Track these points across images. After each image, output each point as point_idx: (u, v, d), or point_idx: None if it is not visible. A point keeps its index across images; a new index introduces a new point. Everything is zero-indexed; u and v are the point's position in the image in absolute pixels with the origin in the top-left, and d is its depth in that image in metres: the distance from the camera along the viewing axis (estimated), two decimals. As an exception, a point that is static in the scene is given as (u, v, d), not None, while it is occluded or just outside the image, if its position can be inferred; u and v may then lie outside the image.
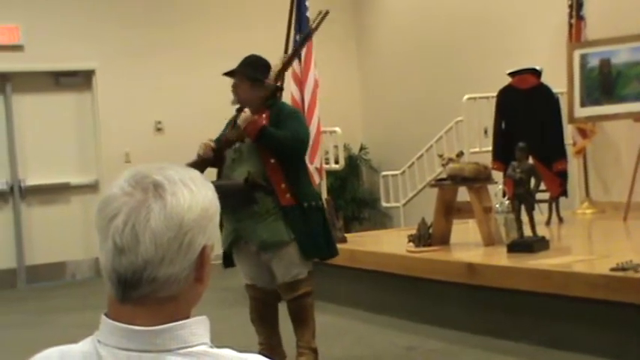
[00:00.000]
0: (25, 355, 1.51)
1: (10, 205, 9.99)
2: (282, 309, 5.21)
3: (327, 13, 5.35)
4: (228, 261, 5.16)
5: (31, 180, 10.03)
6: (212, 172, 5.06)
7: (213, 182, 4.39)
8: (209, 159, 5.04)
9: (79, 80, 10.37)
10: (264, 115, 4.99)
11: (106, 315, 1.32)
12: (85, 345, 1.34)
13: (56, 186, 10.15)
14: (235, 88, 5.07)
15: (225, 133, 5.15)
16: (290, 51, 7.18)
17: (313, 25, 5.36)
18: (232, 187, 4.83)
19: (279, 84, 5.21)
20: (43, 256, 10.00)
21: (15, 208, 9.99)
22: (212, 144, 5.08)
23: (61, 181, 10.16)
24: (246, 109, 4.94)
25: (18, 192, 9.98)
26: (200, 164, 4.90)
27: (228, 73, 5.11)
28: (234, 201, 4.81)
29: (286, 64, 5.39)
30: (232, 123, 5.12)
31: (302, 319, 5.10)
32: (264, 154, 4.93)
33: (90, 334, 1.35)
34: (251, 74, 5.02)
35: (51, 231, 10.02)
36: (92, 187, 10.26)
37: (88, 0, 10.27)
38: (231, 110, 5.25)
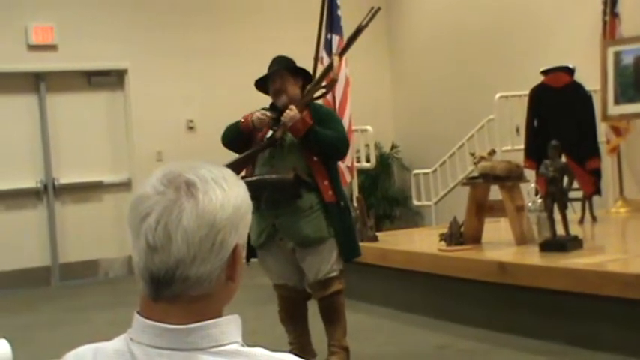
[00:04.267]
0: (59, 352, 1.52)
1: (44, 204, 10.09)
2: (312, 307, 5.21)
3: (378, 9, 5.30)
4: (250, 255, 5.09)
5: (65, 179, 10.12)
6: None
7: (258, 176, 4.35)
8: (249, 157, 5.00)
9: (111, 80, 10.44)
10: (304, 113, 4.98)
11: (138, 313, 1.33)
12: (117, 342, 1.35)
13: (89, 184, 10.23)
14: (281, 87, 5.00)
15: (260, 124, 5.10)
16: (321, 53, 7.19)
17: (364, 22, 5.29)
18: (279, 182, 4.84)
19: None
20: (77, 254, 10.10)
21: (49, 206, 10.08)
22: (268, 116, 4.97)
23: (94, 180, 10.24)
24: (292, 107, 4.91)
25: (52, 190, 10.07)
26: (240, 163, 4.90)
27: (264, 79, 5.05)
28: (278, 195, 4.82)
29: (331, 64, 5.31)
30: (273, 120, 5.05)
31: (333, 318, 5.10)
32: (308, 152, 4.93)
33: (123, 332, 1.36)
34: (293, 67, 5.01)
35: (84, 229, 10.11)
36: (125, 186, 10.34)
37: (120, 1, 10.35)
38: (258, 106, 5.24)
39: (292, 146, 4.95)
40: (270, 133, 4.97)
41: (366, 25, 5.28)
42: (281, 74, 5.02)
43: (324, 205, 4.93)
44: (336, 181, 5.06)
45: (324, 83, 5.21)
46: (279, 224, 4.97)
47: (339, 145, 4.96)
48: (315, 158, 4.94)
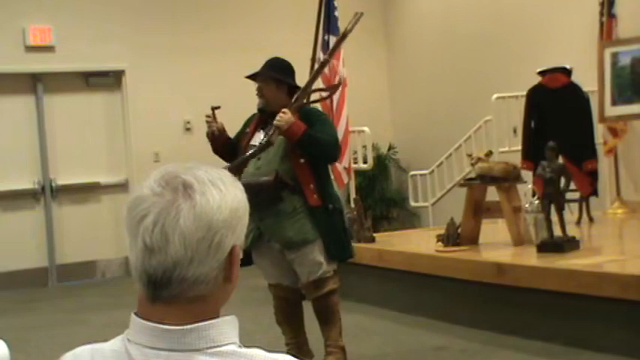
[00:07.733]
0: (57, 353, 1.52)
1: (41, 205, 10.08)
2: (308, 308, 5.21)
3: (361, 15, 5.33)
4: (246, 259, 5.11)
5: (62, 179, 10.11)
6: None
7: (243, 180, 4.39)
8: (246, 160, 5.02)
9: (109, 80, 10.44)
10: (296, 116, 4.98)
11: (135, 314, 1.33)
12: (115, 343, 1.36)
13: (86, 185, 10.22)
14: (261, 91, 5.07)
15: (247, 131, 5.15)
16: (318, 53, 7.19)
17: (348, 28, 5.34)
18: (260, 185, 4.84)
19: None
20: (74, 255, 10.08)
21: (46, 207, 10.07)
22: (209, 120, 5.24)
23: (92, 181, 10.23)
24: (286, 110, 4.89)
25: (49, 191, 10.06)
26: (237, 167, 4.89)
27: (252, 76, 5.12)
28: (260, 199, 4.81)
29: (317, 72, 5.37)
30: (258, 124, 5.11)
31: (328, 318, 5.10)
32: (294, 155, 4.93)
33: (120, 333, 1.36)
34: (275, 76, 5.03)
35: (81, 230, 10.10)
36: (122, 187, 10.32)
37: (118, 2, 10.34)
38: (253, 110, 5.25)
39: (278, 149, 4.95)
40: (262, 136, 4.99)
41: (351, 30, 5.35)
42: (263, 78, 5.05)
43: (308, 207, 4.93)
44: (324, 183, 5.04)
45: (323, 86, 5.26)
46: (263, 227, 4.98)
47: (332, 149, 4.98)
48: (301, 161, 4.92)
